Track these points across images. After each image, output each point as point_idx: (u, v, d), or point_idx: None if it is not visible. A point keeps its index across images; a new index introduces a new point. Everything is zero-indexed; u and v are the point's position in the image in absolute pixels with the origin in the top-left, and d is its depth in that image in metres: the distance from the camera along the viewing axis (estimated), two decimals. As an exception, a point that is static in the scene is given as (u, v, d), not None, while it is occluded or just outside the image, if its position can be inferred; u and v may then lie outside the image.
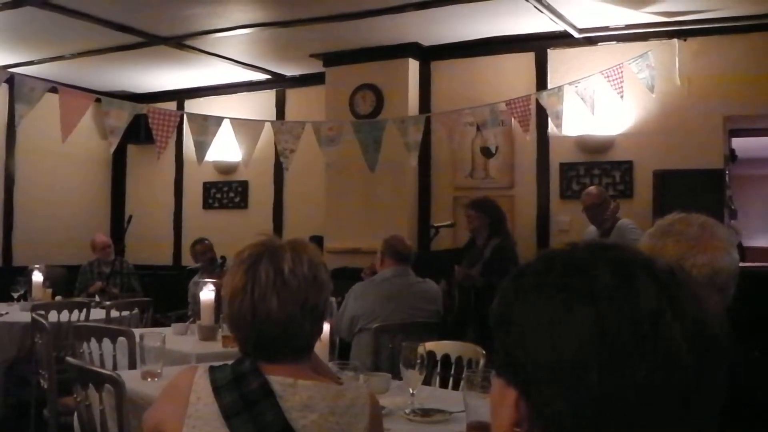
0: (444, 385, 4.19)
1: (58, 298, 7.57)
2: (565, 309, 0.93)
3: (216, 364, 2.14)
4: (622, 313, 0.90)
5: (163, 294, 8.36)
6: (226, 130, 7.40)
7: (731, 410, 1.18)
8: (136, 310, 7.01)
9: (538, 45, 8.04)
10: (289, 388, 2.04)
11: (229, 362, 2.15)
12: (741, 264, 6.54)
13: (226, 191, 10.46)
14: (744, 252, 11.04)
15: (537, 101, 7.15)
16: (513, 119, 7.13)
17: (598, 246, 1.01)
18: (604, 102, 7.10)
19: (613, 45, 7.64)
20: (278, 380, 2.05)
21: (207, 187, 10.56)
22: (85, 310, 6.47)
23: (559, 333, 0.92)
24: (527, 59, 8.12)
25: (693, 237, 2.21)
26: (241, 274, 2.13)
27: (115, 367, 4.62)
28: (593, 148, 7.80)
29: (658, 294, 0.92)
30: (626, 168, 7.67)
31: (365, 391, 2.26)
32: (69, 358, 3.43)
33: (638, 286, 0.92)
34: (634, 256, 0.99)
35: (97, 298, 7.71)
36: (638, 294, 0.92)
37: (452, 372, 4.22)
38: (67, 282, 8.80)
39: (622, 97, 6.87)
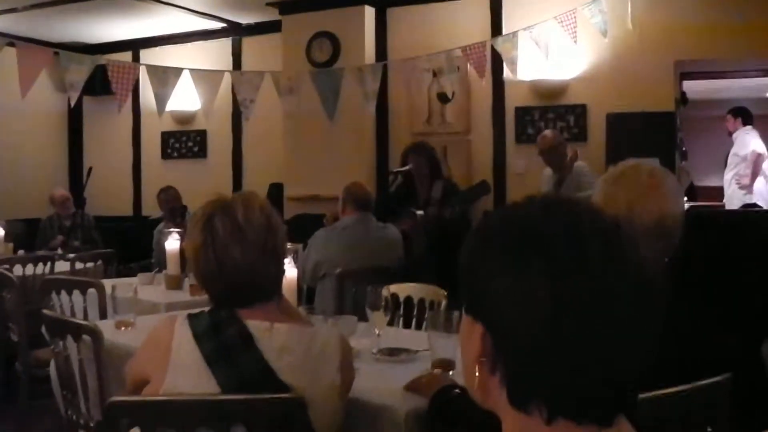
0: (407, 325, 4.33)
1: (20, 252, 7.58)
2: (522, 259, 1.06)
3: (194, 311, 2.26)
4: (573, 263, 1.04)
5: (125, 245, 8.41)
6: (184, 81, 7.41)
7: (672, 357, 1.32)
8: (99, 262, 7.06)
9: (493, -10, 8.12)
10: (266, 332, 2.17)
11: (206, 309, 2.26)
12: (693, 203, 6.77)
13: (185, 141, 10.47)
14: (695, 192, 11.30)
15: (492, 47, 7.24)
16: (469, 65, 7.22)
17: (552, 202, 1.14)
18: (557, 47, 7.20)
19: (566, -10, 7.72)
20: (255, 324, 2.17)
21: (165, 137, 10.56)
22: (49, 264, 6.51)
23: (517, 280, 1.05)
24: (482, 5, 8.19)
25: (642, 184, 2.35)
26: (198, 232, 2.25)
27: (86, 319, 4.70)
28: (547, 92, 7.93)
29: (604, 244, 1.06)
30: (580, 112, 7.81)
31: (336, 332, 2.40)
32: (45, 311, 3.50)
33: (587, 238, 1.06)
34: (583, 211, 1.12)
35: (59, 252, 7.73)
36: (587, 246, 1.05)
37: (415, 313, 4.36)
38: (27, 236, 8.78)
39: (575, 41, 6.97)
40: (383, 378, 2.89)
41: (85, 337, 3.16)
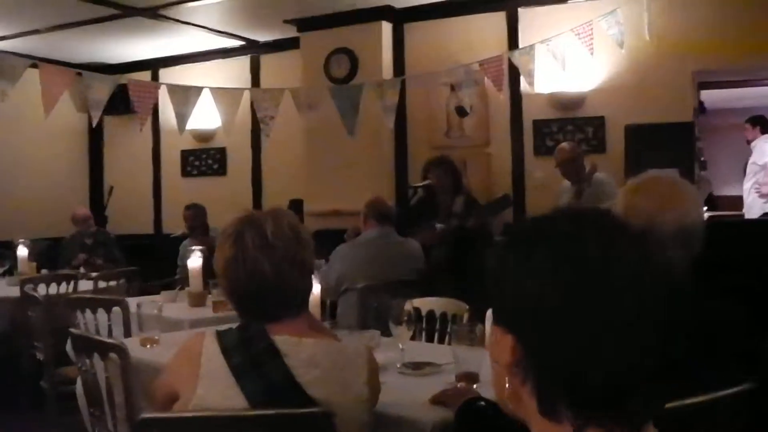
0: (430, 339, 4.34)
1: (44, 271, 7.65)
2: (551, 271, 1.09)
3: (221, 328, 2.29)
4: (601, 275, 1.07)
5: (146, 262, 8.46)
6: (203, 99, 7.46)
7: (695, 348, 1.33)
8: (122, 280, 7.11)
9: (509, 4, 8.15)
10: (294, 346, 2.19)
11: (234, 326, 2.29)
12: (713, 213, 6.76)
13: (205, 158, 10.53)
14: (716, 202, 11.28)
15: (509, 60, 7.26)
16: (486, 78, 7.24)
17: (579, 213, 1.16)
18: (574, 59, 7.21)
19: (582, 2, 7.75)
20: (283, 339, 2.20)
21: (185, 155, 10.62)
22: (73, 282, 6.57)
23: (546, 292, 1.08)
24: (498, 18, 8.22)
25: (663, 194, 2.38)
26: (229, 247, 2.29)
27: (111, 337, 4.73)
28: (565, 104, 7.95)
29: (633, 255, 1.09)
30: (598, 123, 7.81)
31: (363, 346, 2.42)
32: (72, 329, 3.54)
33: (615, 249, 1.09)
34: (609, 221, 1.15)
35: (82, 270, 7.80)
36: (615, 257, 1.08)
37: (437, 326, 4.38)
38: (50, 255, 8.84)
39: (592, 53, 6.98)
40: (408, 391, 2.90)
41: (112, 354, 3.19)
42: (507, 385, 1.15)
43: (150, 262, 8.55)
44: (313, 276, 2.43)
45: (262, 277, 2.24)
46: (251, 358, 2.18)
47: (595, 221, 1.14)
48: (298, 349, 2.19)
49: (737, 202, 9.95)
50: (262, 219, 2.32)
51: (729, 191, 11.71)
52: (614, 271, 1.07)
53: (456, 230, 6.37)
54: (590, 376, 1.06)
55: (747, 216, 8.91)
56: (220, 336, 2.24)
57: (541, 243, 1.12)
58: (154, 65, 10.73)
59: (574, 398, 1.08)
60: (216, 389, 2.16)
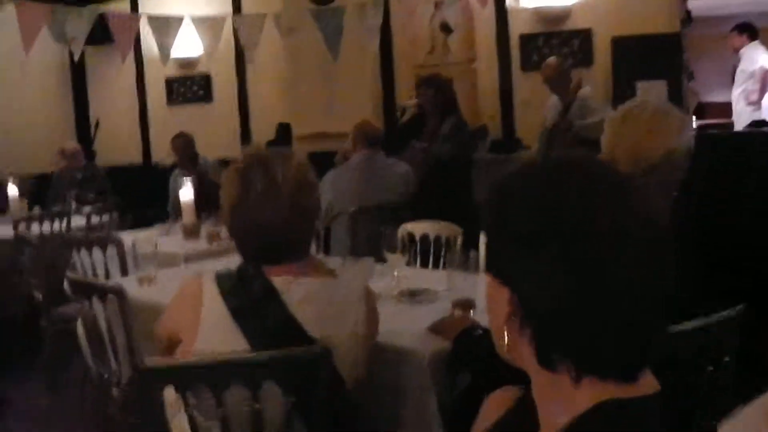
0: (425, 264, 4.38)
1: (35, 208, 7.64)
2: (541, 229, 1.10)
3: (220, 270, 2.30)
4: (588, 228, 1.08)
5: (137, 193, 8.47)
6: (185, 26, 7.36)
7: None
8: (115, 213, 7.13)
9: None
10: (290, 285, 2.21)
11: (232, 268, 2.31)
12: (702, 122, 6.77)
13: (190, 86, 10.42)
14: (703, 109, 11.27)
15: (493, -25, 7.18)
16: (471, -6, 7.17)
17: (566, 166, 1.17)
18: (559, -30, 7.14)
19: None
20: (280, 280, 2.22)
21: (170, 82, 10.51)
22: (65, 219, 6.57)
23: (538, 247, 1.09)
24: (481, -68, 8.08)
25: (647, 122, 2.39)
26: (236, 186, 2.28)
27: (107, 276, 4.76)
28: (551, 18, 7.86)
29: (616, 205, 1.10)
30: (585, 36, 7.74)
31: (360, 281, 2.43)
32: (68, 274, 3.55)
33: (600, 202, 1.10)
34: (595, 172, 1.15)
35: (74, 205, 7.78)
36: (600, 210, 1.09)
37: (432, 250, 4.41)
38: (39, 191, 8.81)
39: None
40: (405, 320, 2.94)
41: (110, 296, 3.22)
42: (505, 338, 1.16)
43: (140, 192, 8.56)
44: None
45: (266, 222, 2.25)
46: (250, 300, 2.20)
47: (604, 182, 1.14)
48: (295, 288, 2.21)
49: (726, 108, 9.92)
50: (271, 160, 2.30)
51: (717, 98, 11.67)
52: (625, 236, 1.08)
53: (431, 156, 6.36)
54: (587, 327, 1.08)
55: (736, 123, 8.91)
56: (219, 279, 2.26)
57: (543, 195, 1.12)
58: (133, -7, 10.54)
59: (571, 350, 1.10)
60: (217, 333, 2.19)
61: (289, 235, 2.28)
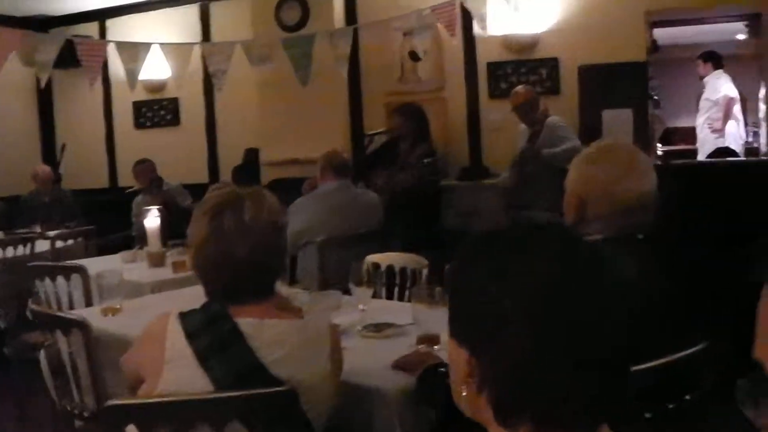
0: (390, 295, 4.38)
1: (-1, 233, 7.59)
2: (502, 288, 1.11)
3: (185, 310, 2.29)
4: (552, 287, 1.09)
5: (104, 218, 8.41)
6: (154, 50, 7.34)
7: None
8: (80, 239, 7.09)
9: (460, -54, 8.06)
10: (257, 328, 2.21)
11: (197, 307, 2.30)
12: (667, 148, 6.85)
13: (157, 109, 10.37)
14: (669, 134, 11.41)
15: (461, 4, 7.21)
16: (439, 24, 7.20)
17: (531, 230, 1.19)
18: (527, 0, 7.19)
19: (533, -58, 7.71)
20: (245, 322, 2.21)
21: (138, 106, 10.46)
22: (29, 245, 6.52)
23: (497, 308, 1.10)
24: (450, -39, 8.14)
25: (622, 164, 2.41)
26: (205, 224, 2.27)
27: (71, 305, 4.72)
28: (519, 46, 7.93)
29: (581, 267, 1.11)
30: (552, 65, 7.81)
31: (325, 321, 2.44)
32: (32, 306, 3.52)
33: (565, 266, 1.11)
34: (562, 236, 1.17)
35: (38, 230, 7.72)
36: (564, 272, 1.10)
37: (397, 282, 4.42)
38: (5, 215, 8.73)
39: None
40: (370, 356, 2.94)
41: (75, 330, 3.19)
42: (463, 393, 1.17)
43: (107, 216, 8.50)
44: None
45: (233, 260, 2.24)
46: (215, 341, 2.19)
47: (556, 239, 1.16)
48: (261, 331, 2.21)
49: (690, 133, 10.07)
50: (243, 199, 2.30)
51: (682, 123, 11.82)
52: (575, 293, 1.09)
53: (399, 182, 6.42)
54: (546, 395, 1.09)
55: (700, 150, 9.03)
56: (183, 319, 2.25)
57: (503, 261, 1.13)
58: (100, 16, 10.48)
59: (530, 414, 1.11)
60: (181, 374, 2.18)
61: (257, 274, 2.29)
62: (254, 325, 2.21)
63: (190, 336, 2.20)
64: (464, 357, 1.15)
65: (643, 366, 2.06)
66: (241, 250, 2.23)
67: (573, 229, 1.23)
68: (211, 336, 2.19)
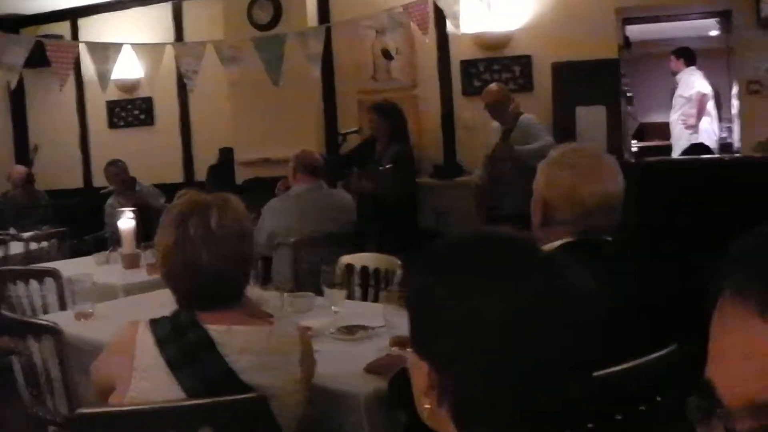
0: (365, 296, 4.40)
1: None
2: (465, 301, 1.12)
3: (155, 317, 2.29)
4: (511, 297, 1.11)
5: (77, 218, 8.38)
6: (126, 49, 7.31)
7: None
8: (54, 241, 7.06)
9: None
10: (226, 334, 2.22)
11: (167, 315, 2.30)
12: (641, 144, 6.88)
13: (131, 109, 10.34)
14: (643, 130, 11.47)
15: (434, 2, 7.22)
16: (411, 22, 7.21)
17: (488, 239, 1.20)
18: (499, -2, 7.23)
19: (505, -62, 7.73)
20: (215, 328, 2.22)
21: (111, 106, 10.41)
22: (3, 247, 6.49)
23: (454, 326, 1.12)
24: (422, -42, 8.15)
25: (585, 167, 2.43)
26: (171, 230, 2.28)
27: (44, 309, 4.70)
28: (492, 44, 7.95)
29: (539, 275, 1.13)
30: (525, 62, 7.84)
31: (295, 326, 2.45)
32: (4, 312, 3.51)
33: (522, 273, 1.13)
34: (519, 245, 1.18)
35: (12, 231, 7.68)
36: (522, 280, 1.12)
37: (372, 283, 4.43)
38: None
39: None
40: (342, 359, 2.95)
41: (47, 336, 3.19)
42: (426, 405, 1.18)
43: (81, 217, 8.47)
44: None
45: (200, 267, 2.25)
46: (185, 349, 2.19)
47: (514, 255, 1.17)
48: (230, 338, 2.22)
49: (664, 128, 10.11)
50: (209, 206, 2.30)
51: (656, 118, 11.88)
52: (533, 311, 1.11)
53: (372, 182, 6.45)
54: (505, 411, 1.11)
55: (674, 146, 9.08)
56: (153, 326, 2.25)
57: (464, 279, 1.14)
58: (72, 15, 10.43)
59: (492, 425, 1.12)
60: (151, 382, 2.18)
61: (224, 281, 2.29)
62: (223, 332, 2.22)
63: (160, 343, 2.20)
64: (425, 370, 1.16)
65: (613, 369, 2.08)
66: (206, 258, 2.24)
67: (530, 242, 1.23)
68: (181, 343, 2.20)
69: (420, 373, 1.18)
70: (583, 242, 2.35)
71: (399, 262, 4.31)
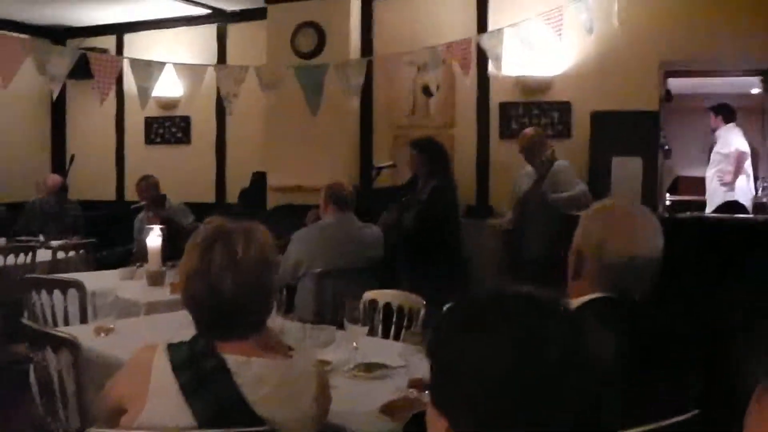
0: (387, 333, 4.35)
1: (1, 240, 7.59)
2: (478, 358, 1.10)
3: (173, 342, 2.27)
4: (529, 364, 1.08)
5: (107, 230, 8.42)
6: (168, 66, 7.36)
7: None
8: (81, 251, 7.10)
9: (480, -17, 8.11)
10: (243, 365, 2.19)
11: (185, 340, 2.28)
12: (675, 198, 6.77)
13: (169, 126, 10.41)
14: (678, 183, 11.40)
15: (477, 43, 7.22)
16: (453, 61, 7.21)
17: (518, 300, 1.17)
18: (543, 43, 7.18)
19: (551, -15, 7.73)
20: (232, 358, 2.19)
21: (149, 122, 10.50)
22: (31, 254, 6.52)
23: (477, 378, 1.09)
24: (469, -1, 8.19)
25: (615, 223, 2.38)
26: (196, 257, 2.26)
27: (66, 319, 4.70)
28: (532, 88, 7.94)
29: (556, 345, 1.10)
30: (564, 108, 7.82)
31: (312, 362, 2.42)
32: (25, 320, 3.51)
33: (539, 340, 1.10)
34: (537, 305, 1.16)
35: (41, 238, 7.73)
36: (539, 348, 1.09)
37: (394, 320, 4.39)
38: (9, 221, 8.74)
39: (560, 38, 6.92)
40: (358, 397, 2.92)
41: (64, 348, 3.18)
42: None
43: (112, 229, 8.51)
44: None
45: (222, 295, 2.22)
46: (200, 375, 2.17)
47: (537, 317, 1.15)
48: (247, 368, 2.19)
49: (699, 183, 10.05)
50: (234, 234, 2.28)
51: (691, 172, 11.81)
52: (563, 374, 1.08)
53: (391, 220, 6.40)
54: None
55: (709, 203, 9.00)
56: (171, 350, 2.23)
57: (479, 337, 1.12)
58: (118, 30, 10.57)
59: None
60: (164, 406, 2.16)
61: (244, 310, 2.27)
62: (240, 362, 2.19)
63: (176, 369, 2.18)
64: (443, 425, 1.14)
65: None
66: (228, 287, 2.22)
67: (553, 301, 1.20)
68: (197, 370, 2.18)
69: (438, 426, 1.15)
70: (610, 300, 2.31)
71: (423, 302, 4.27)
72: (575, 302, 2.30)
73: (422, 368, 2.98)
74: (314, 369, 2.36)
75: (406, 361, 3.11)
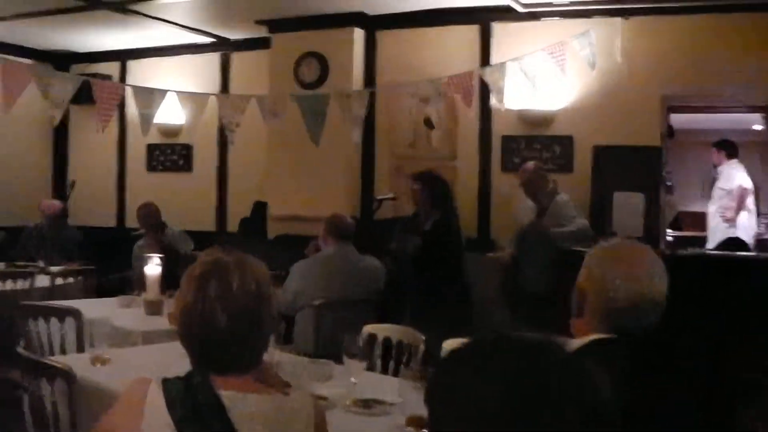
0: (386, 368, 4.32)
1: (0, 264, 7.57)
2: (481, 401, 1.09)
3: (167, 377, 2.24)
4: (529, 405, 1.07)
5: (107, 256, 8.39)
6: (171, 96, 7.38)
7: None
8: (80, 278, 7.08)
9: (483, 18, 8.11)
10: (238, 402, 2.16)
11: (180, 375, 2.25)
12: (677, 233, 6.77)
13: (170, 154, 10.41)
14: (679, 219, 11.36)
15: (480, 76, 7.23)
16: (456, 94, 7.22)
17: (513, 344, 1.16)
18: (545, 77, 7.20)
19: (556, 21, 7.75)
20: (228, 394, 2.16)
21: (151, 149, 10.50)
22: (29, 279, 6.50)
23: (474, 422, 1.08)
24: (472, 32, 8.19)
25: (623, 264, 2.36)
26: (192, 292, 2.23)
27: (63, 348, 4.67)
28: (534, 122, 7.95)
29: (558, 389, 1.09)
30: (566, 142, 7.82)
31: (309, 399, 2.38)
32: (20, 350, 3.49)
33: (547, 386, 1.09)
34: (544, 355, 1.15)
35: (41, 264, 7.70)
36: (547, 392, 1.08)
37: (393, 355, 4.36)
38: (8, 244, 8.72)
39: (564, 73, 6.94)
40: (354, 433, 2.89)
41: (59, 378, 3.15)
42: None
43: (110, 255, 8.48)
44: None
45: (216, 329, 2.20)
46: (195, 412, 2.14)
47: (535, 361, 1.14)
48: (242, 405, 2.16)
49: (701, 218, 10.03)
50: (229, 268, 2.26)
51: (693, 207, 11.79)
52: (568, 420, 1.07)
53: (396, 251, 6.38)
54: None
55: (710, 238, 8.97)
56: (165, 386, 2.20)
57: (472, 382, 1.12)
58: (122, 56, 10.59)
59: None
60: (157, 443, 2.12)
61: (238, 346, 2.24)
62: (235, 398, 2.16)
63: (171, 404, 2.15)
64: None
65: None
66: (223, 320, 2.19)
67: (550, 347, 1.19)
68: (191, 406, 2.15)
69: None
70: (612, 341, 2.28)
71: (422, 338, 4.23)
72: (577, 342, 2.28)
73: (420, 405, 2.94)
74: (311, 405, 2.33)
75: (404, 398, 3.07)
